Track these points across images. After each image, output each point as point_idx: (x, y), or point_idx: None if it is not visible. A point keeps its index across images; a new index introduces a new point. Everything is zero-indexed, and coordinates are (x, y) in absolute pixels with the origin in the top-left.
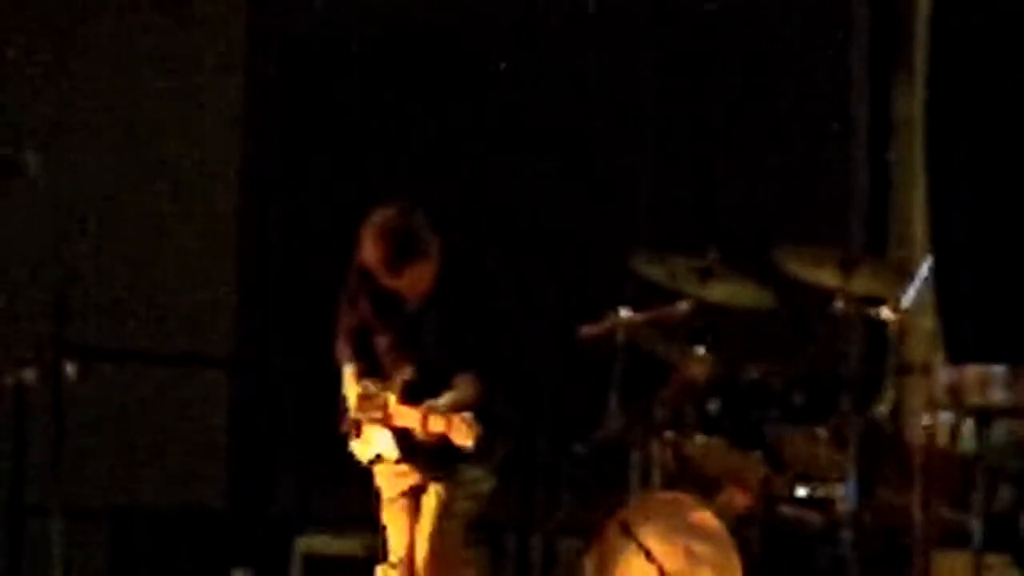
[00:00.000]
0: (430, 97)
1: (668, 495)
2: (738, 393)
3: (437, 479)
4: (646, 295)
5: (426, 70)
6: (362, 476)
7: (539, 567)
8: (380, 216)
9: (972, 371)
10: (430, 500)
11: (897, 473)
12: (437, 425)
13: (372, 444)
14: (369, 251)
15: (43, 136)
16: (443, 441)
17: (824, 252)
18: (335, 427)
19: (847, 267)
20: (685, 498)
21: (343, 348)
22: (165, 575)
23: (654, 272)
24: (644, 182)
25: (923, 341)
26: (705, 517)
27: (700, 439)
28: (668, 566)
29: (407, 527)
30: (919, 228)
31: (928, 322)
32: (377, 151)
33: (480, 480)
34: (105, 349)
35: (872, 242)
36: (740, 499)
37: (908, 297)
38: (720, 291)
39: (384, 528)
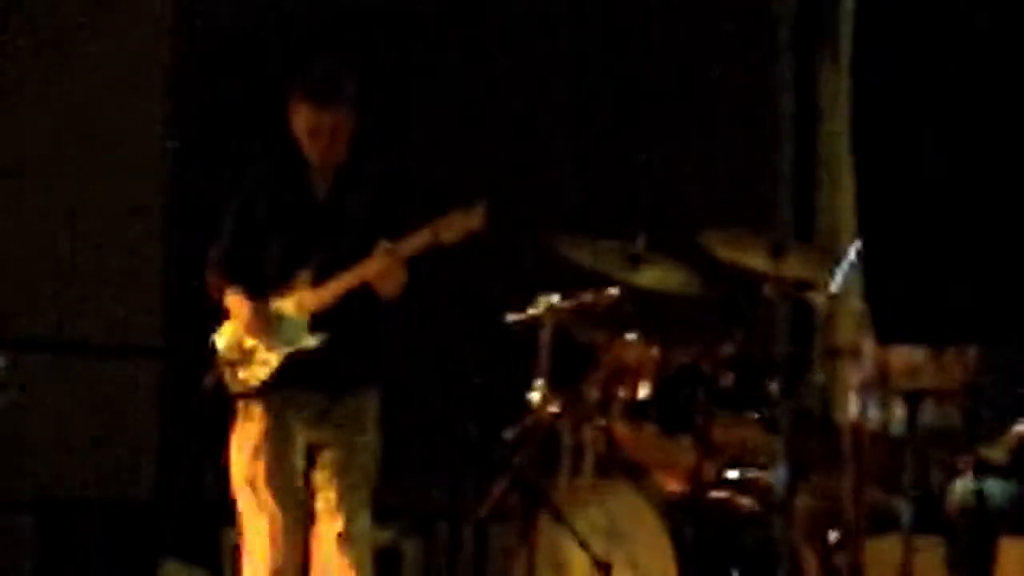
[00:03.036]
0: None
1: (599, 481)
2: (668, 378)
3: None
4: (574, 281)
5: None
6: None
7: (471, 556)
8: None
9: (900, 353)
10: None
11: (828, 457)
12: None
13: (269, 362)
14: (296, 97)
15: None
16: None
17: (752, 236)
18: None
19: (776, 251)
20: (616, 483)
21: (217, 276)
22: (93, 567)
23: (582, 257)
24: (571, 167)
25: (852, 324)
26: (636, 503)
27: (630, 424)
28: (599, 552)
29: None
30: (846, 212)
31: (856, 305)
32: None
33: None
34: (33, 340)
35: (800, 226)
36: (671, 484)
37: (837, 281)
38: (649, 276)
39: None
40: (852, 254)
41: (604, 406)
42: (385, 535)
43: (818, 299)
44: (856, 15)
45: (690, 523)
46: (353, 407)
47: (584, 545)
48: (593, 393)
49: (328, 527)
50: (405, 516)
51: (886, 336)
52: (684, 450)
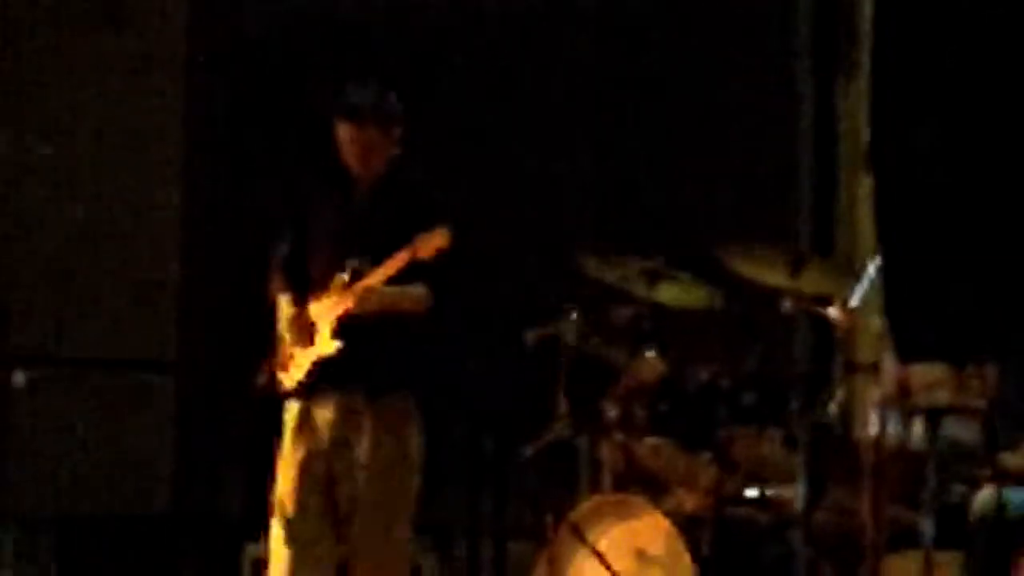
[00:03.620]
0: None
1: (618, 497)
2: (687, 394)
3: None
4: (594, 297)
5: (364, 69)
6: None
7: (489, 571)
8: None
9: (920, 370)
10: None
11: (847, 473)
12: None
13: (303, 365)
14: (337, 115)
15: None
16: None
17: (771, 252)
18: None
19: (795, 267)
20: (635, 500)
21: (275, 280)
22: None
23: (603, 274)
24: (591, 184)
25: (871, 340)
26: (656, 519)
27: (650, 441)
28: (619, 568)
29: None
30: (866, 227)
31: (876, 321)
32: (322, 153)
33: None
34: (51, 356)
35: (819, 241)
36: (690, 500)
37: (856, 296)
38: (668, 292)
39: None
40: (871, 270)
41: (623, 422)
42: None
43: (837, 315)
44: (874, 31)
45: (709, 539)
46: (381, 410)
47: (602, 561)
48: (612, 409)
49: (361, 530)
50: (423, 531)
51: (906, 353)
52: (703, 466)
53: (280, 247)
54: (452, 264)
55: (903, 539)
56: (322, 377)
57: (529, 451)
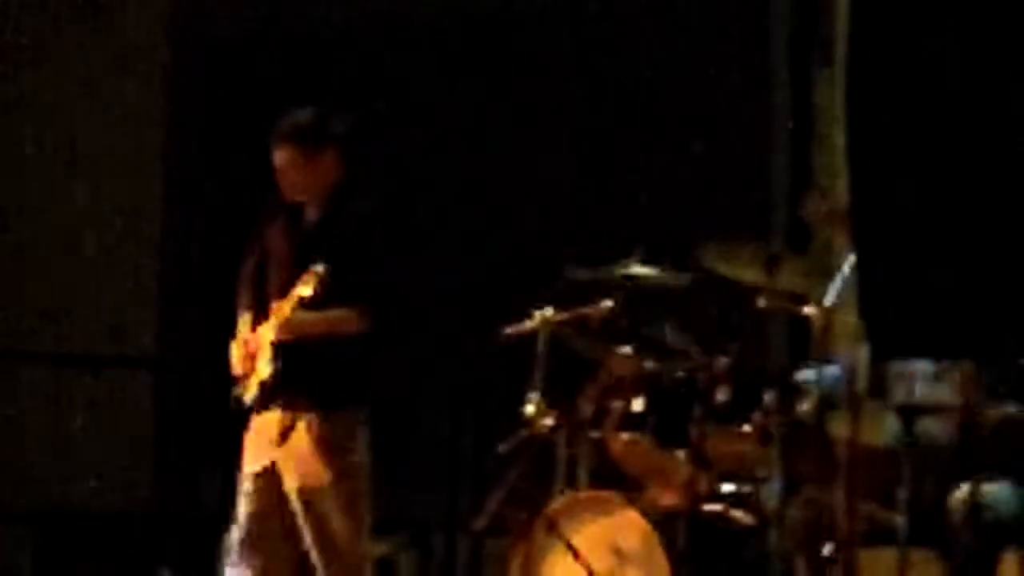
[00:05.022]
0: (354, 97)
1: (594, 493)
2: (662, 391)
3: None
4: (570, 293)
5: (346, 70)
6: None
7: (466, 567)
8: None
9: (896, 366)
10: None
11: (821, 469)
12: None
13: (253, 385)
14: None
15: None
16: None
17: (747, 248)
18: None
19: (770, 264)
20: (611, 496)
21: (241, 296)
22: None
23: (579, 271)
24: (569, 182)
25: (846, 338)
26: (631, 515)
27: (625, 437)
28: (595, 565)
29: None
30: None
31: (851, 318)
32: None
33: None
34: (30, 352)
35: (794, 239)
36: (665, 497)
37: (831, 294)
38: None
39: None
40: (846, 267)
41: (599, 419)
42: (381, 547)
43: (812, 312)
44: (850, 23)
45: (685, 536)
46: (325, 428)
47: (578, 557)
48: (588, 406)
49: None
50: (401, 528)
51: (882, 351)
52: (679, 463)
53: (248, 262)
54: (384, 281)
55: (878, 536)
56: (269, 397)
57: (505, 447)
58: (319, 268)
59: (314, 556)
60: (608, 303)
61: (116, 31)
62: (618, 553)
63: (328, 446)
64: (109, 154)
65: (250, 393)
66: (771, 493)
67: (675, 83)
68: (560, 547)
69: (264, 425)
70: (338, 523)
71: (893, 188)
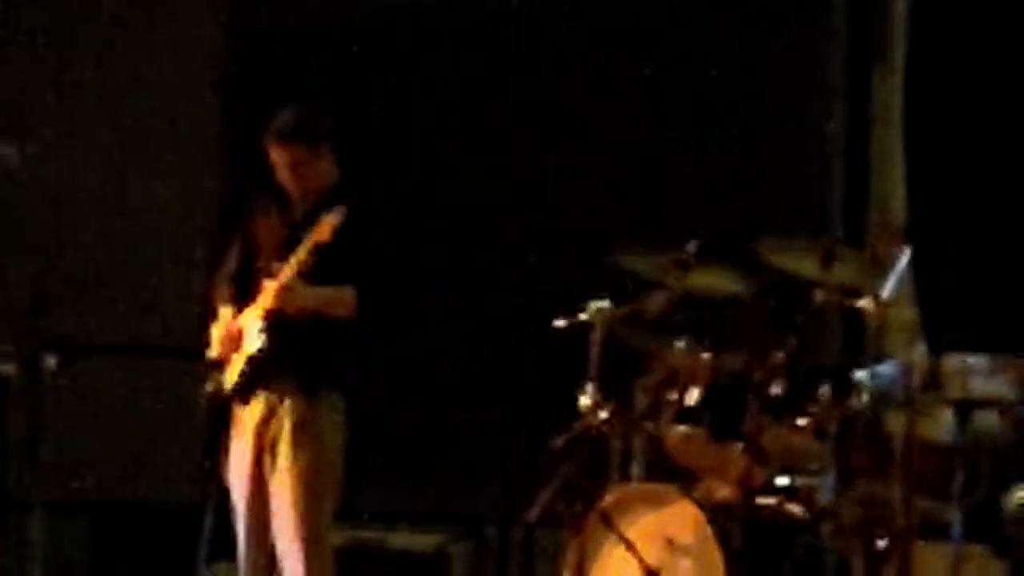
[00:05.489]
0: (408, 94)
1: (648, 486)
2: (718, 385)
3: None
4: (626, 287)
5: (402, 65)
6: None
7: (520, 560)
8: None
9: (952, 361)
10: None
11: (877, 464)
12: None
13: (236, 367)
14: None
15: (20, 131)
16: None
17: (804, 243)
18: None
19: (827, 258)
20: (665, 488)
21: (219, 291)
22: (146, 568)
23: (634, 264)
24: (626, 176)
25: (902, 332)
26: (685, 508)
27: (680, 430)
28: (648, 557)
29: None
30: (898, 219)
31: (907, 313)
32: (355, 145)
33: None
34: (83, 341)
35: (851, 233)
36: (720, 490)
37: (887, 288)
38: (699, 282)
39: None
40: (903, 262)
41: (654, 412)
42: (434, 539)
43: (868, 306)
44: (908, 24)
45: (739, 529)
46: (305, 412)
47: (632, 550)
48: (643, 399)
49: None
50: (454, 520)
51: (938, 345)
52: (734, 456)
53: (229, 261)
54: (372, 270)
55: (933, 531)
56: (253, 377)
57: (559, 440)
58: (335, 214)
59: (280, 542)
60: (663, 296)
61: (172, 20)
62: (671, 545)
63: (305, 430)
64: (166, 143)
65: (230, 379)
66: (826, 487)
67: (732, 80)
68: (614, 540)
69: (248, 416)
70: (305, 508)
71: (950, 181)
